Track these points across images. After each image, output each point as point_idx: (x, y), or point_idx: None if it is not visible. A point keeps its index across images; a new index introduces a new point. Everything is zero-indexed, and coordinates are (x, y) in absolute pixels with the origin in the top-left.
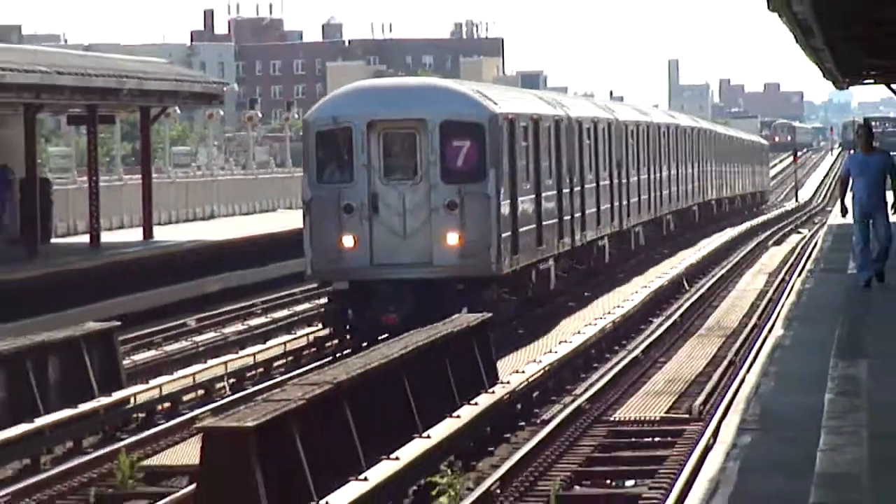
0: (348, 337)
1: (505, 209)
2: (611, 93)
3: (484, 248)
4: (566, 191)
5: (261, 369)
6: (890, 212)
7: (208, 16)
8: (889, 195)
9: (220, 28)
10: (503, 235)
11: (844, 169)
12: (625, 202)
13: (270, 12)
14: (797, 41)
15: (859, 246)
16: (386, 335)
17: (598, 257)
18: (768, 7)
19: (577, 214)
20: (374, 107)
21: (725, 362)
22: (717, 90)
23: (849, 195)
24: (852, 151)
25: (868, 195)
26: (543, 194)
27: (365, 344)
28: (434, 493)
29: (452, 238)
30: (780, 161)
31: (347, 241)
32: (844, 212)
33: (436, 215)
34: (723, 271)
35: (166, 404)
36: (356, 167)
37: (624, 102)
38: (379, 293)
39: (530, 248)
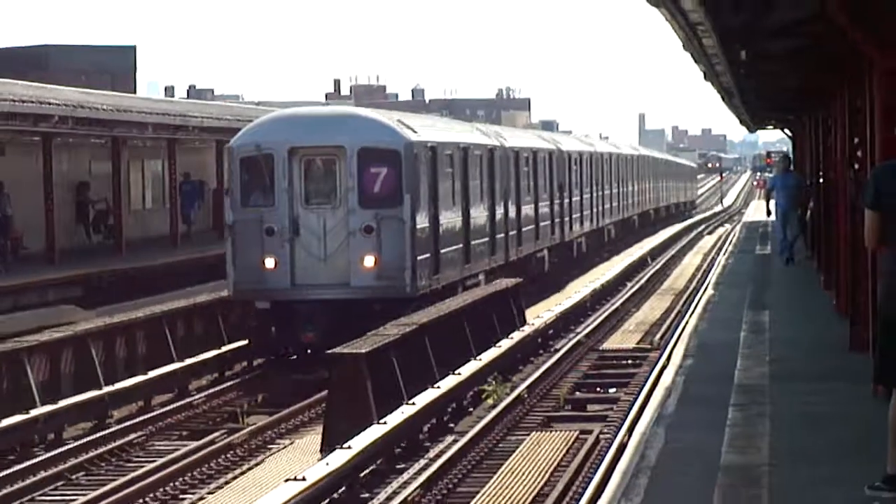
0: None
1: (422, 232)
2: (600, 134)
3: (399, 270)
4: (500, 211)
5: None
6: (797, 215)
7: (336, 83)
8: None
9: (345, 91)
10: (420, 258)
11: (770, 184)
12: (566, 218)
13: (378, 80)
14: (723, 100)
15: (780, 236)
16: (308, 351)
17: (537, 267)
18: (704, 78)
19: (513, 232)
20: (295, 134)
21: (675, 311)
22: (670, 133)
23: (772, 203)
24: (767, 173)
25: (786, 202)
26: (473, 216)
27: (295, 357)
28: (483, 396)
29: (369, 261)
30: (712, 179)
31: (269, 262)
32: (769, 213)
33: (353, 239)
34: (673, 252)
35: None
36: (278, 192)
37: (575, 136)
38: (298, 313)
39: (456, 266)
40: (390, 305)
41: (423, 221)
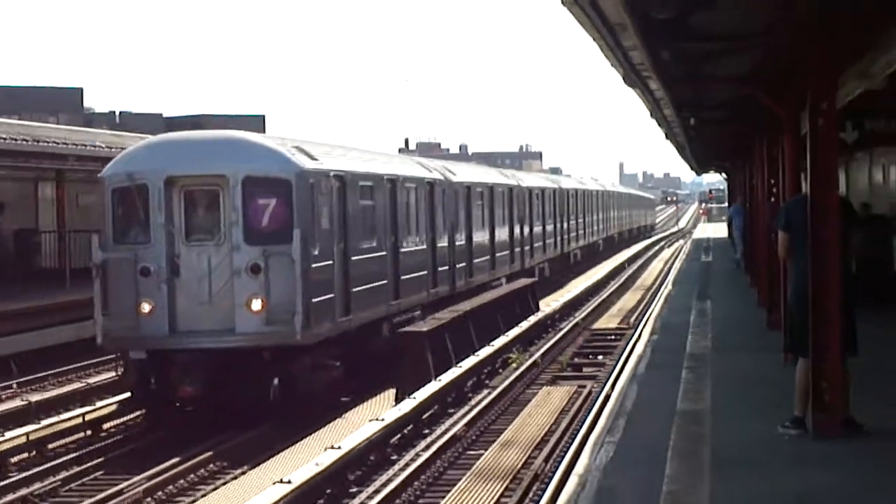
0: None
1: (321, 271)
2: (592, 177)
3: (288, 314)
4: (443, 245)
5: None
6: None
7: (406, 140)
8: None
9: (412, 146)
10: (316, 300)
11: (729, 214)
12: (527, 247)
13: (435, 138)
14: (679, 152)
15: (740, 248)
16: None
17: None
18: (665, 137)
19: (461, 264)
20: (172, 162)
21: (644, 301)
22: (641, 176)
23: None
24: (708, 204)
25: (742, 226)
26: (404, 250)
27: (192, 408)
28: (509, 361)
29: (256, 304)
30: (670, 208)
31: (144, 306)
32: (730, 235)
33: (238, 279)
34: (642, 261)
35: None
36: (153, 227)
37: (572, 177)
38: (177, 363)
39: (379, 303)
40: (283, 354)
41: (322, 258)
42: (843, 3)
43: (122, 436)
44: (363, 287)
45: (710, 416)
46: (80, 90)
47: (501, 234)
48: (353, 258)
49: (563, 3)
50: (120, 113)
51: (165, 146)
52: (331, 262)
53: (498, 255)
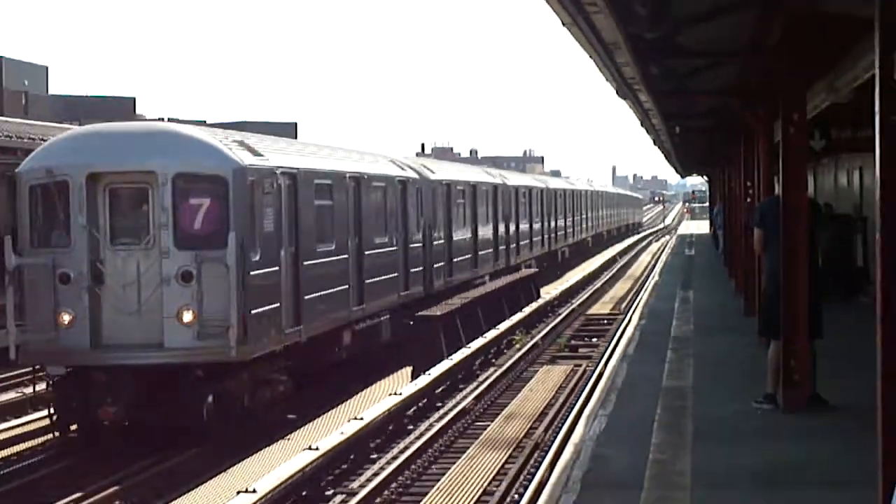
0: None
1: (264, 278)
2: (588, 179)
3: (222, 327)
4: (416, 245)
5: None
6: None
7: (422, 145)
8: None
9: (427, 151)
10: (256, 311)
11: (715, 212)
12: (513, 245)
13: (448, 143)
14: (666, 158)
15: (721, 249)
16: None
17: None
18: (653, 143)
19: (439, 264)
20: (96, 156)
21: (634, 290)
22: (632, 178)
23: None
24: (692, 203)
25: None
26: (371, 252)
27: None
28: (513, 342)
29: (187, 315)
30: (657, 207)
31: (63, 317)
32: (713, 233)
33: (168, 288)
34: (632, 254)
35: None
36: (74, 229)
37: (567, 178)
38: (98, 381)
39: (340, 309)
40: (217, 369)
41: (264, 264)
42: (812, 25)
43: (33, 460)
44: (318, 294)
45: (692, 393)
46: (133, 99)
47: (485, 232)
48: (307, 263)
49: (563, 24)
50: (168, 119)
51: (89, 138)
52: (276, 268)
53: (481, 253)
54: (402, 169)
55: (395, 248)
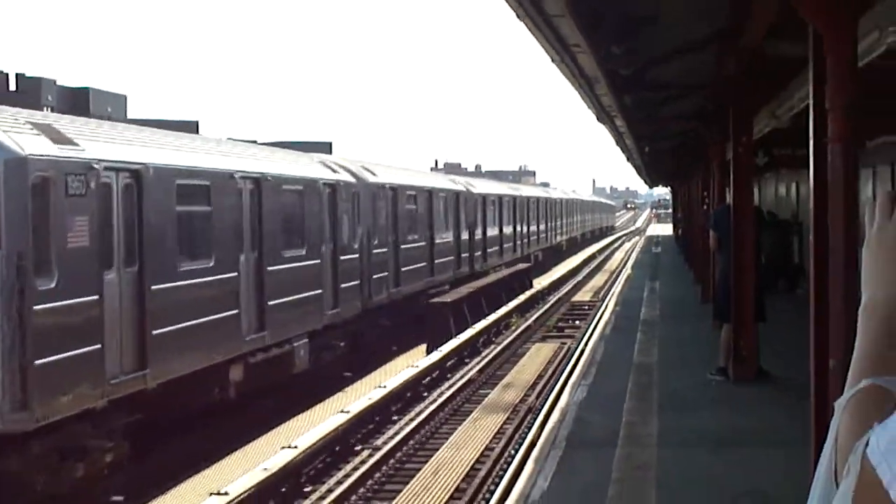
0: None
1: (68, 315)
2: (572, 189)
3: None
4: (350, 257)
5: None
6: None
7: (435, 161)
8: None
9: (440, 165)
10: (50, 359)
11: (677, 217)
12: (478, 252)
13: (458, 160)
14: (637, 172)
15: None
16: None
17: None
18: (627, 160)
19: (381, 274)
20: None
21: (610, 282)
22: (608, 188)
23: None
24: (659, 210)
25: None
26: (275, 268)
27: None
28: (510, 325)
29: None
30: (629, 213)
31: None
32: (676, 235)
33: None
34: (608, 252)
35: None
36: None
37: (504, 183)
38: None
39: (215, 343)
40: None
41: (70, 293)
42: (757, 64)
43: None
44: (179, 325)
45: (658, 367)
46: (196, 122)
47: (444, 238)
48: (156, 287)
49: (552, 61)
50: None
51: None
52: (95, 296)
53: (438, 261)
54: (334, 171)
55: (316, 261)
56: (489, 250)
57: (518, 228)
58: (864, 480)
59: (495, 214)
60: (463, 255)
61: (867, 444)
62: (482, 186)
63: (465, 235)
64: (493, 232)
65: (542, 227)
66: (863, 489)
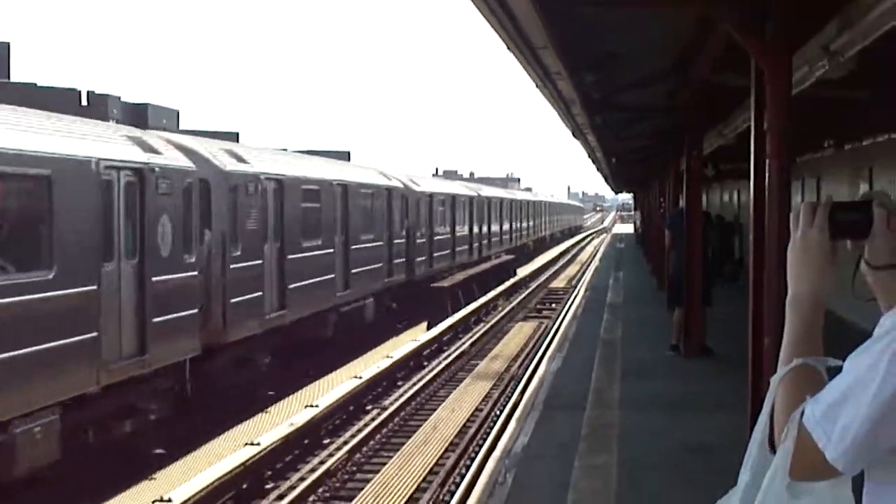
0: None
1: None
2: (551, 195)
3: None
4: (400, 241)
5: None
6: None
7: (436, 169)
8: None
9: (440, 172)
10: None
11: (634, 218)
12: (421, 257)
13: (453, 166)
14: (605, 180)
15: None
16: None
17: (380, 306)
18: (597, 170)
19: (238, 299)
20: None
21: (582, 271)
22: (581, 194)
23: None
24: (623, 212)
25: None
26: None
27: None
28: (497, 306)
29: None
30: (598, 214)
31: None
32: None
33: None
34: (578, 248)
35: None
36: None
37: (461, 182)
38: None
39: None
40: None
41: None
42: (708, 92)
43: None
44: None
45: (621, 343)
46: (237, 133)
47: (399, 238)
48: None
49: (536, 85)
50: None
51: None
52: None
53: (354, 271)
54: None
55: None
56: (436, 254)
57: (475, 230)
58: (801, 444)
59: (446, 216)
60: (394, 261)
61: (803, 414)
62: (429, 185)
63: (397, 240)
64: (442, 235)
65: (504, 227)
66: (800, 451)
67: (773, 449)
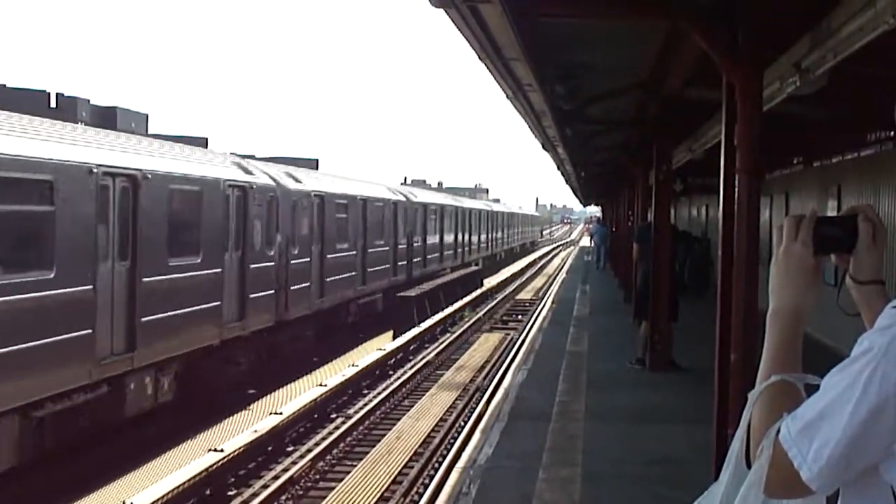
0: None
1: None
2: (519, 206)
3: None
4: (402, 245)
5: None
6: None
7: (405, 178)
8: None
9: (409, 181)
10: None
11: (592, 231)
12: (416, 259)
13: (421, 176)
14: (573, 192)
15: (596, 256)
16: None
17: (360, 312)
18: (565, 182)
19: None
20: None
21: (548, 284)
22: (549, 206)
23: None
24: (590, 225)
25: (599, 239)
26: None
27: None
28: (463, 317)
29: None
30: (566, 226)
31: None
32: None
33: None
34: (546, 259)
35: None
36: None
37: (394, 186)
38: None
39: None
40: None
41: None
42: (677, 106)
43: None
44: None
45: (587, 355)
46: (206, 139)
47: (380, 246)
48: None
49: (507, 97)
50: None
51: None
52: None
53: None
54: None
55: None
56: (430, 256)
57: (460, 237)
58: (776, 461)
59: (436, 223)
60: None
61: (779, 431)
62: (342, 186)
63: (400, 243)
64: (431, 240)
65: (448, 240)
66: (775, 468)
67: (748, 464)
